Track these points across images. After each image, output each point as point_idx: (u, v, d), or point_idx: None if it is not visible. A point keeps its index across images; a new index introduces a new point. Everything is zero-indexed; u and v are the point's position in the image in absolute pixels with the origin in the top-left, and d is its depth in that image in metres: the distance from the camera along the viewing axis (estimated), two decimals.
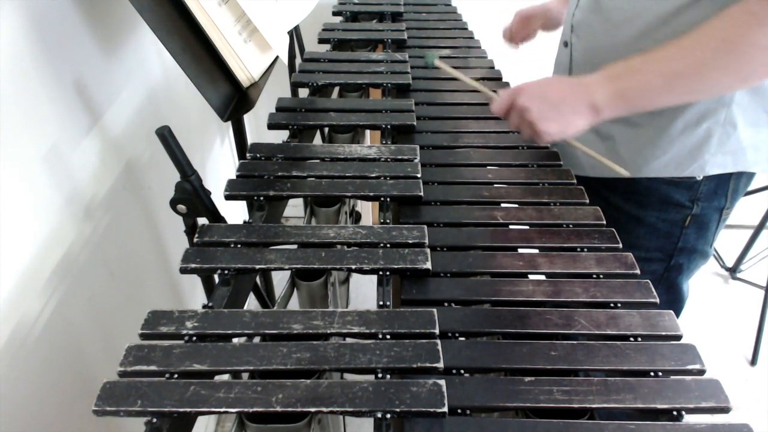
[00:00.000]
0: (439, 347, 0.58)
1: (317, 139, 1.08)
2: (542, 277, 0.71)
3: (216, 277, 0.70)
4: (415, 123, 0.98)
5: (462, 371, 0.59)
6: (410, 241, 0.72)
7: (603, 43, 0.90)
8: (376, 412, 0.53)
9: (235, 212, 1.08)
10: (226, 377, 0.58)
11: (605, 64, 0.88)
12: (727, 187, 0.92)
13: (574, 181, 0.87)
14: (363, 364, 0.57)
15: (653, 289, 0.69)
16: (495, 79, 1.17)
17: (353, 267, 0.69)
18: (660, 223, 0.95)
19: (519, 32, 1.21)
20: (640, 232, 0.97)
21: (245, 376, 0.60)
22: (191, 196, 0.77)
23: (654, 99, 0.76)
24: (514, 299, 0.67)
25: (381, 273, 0.69)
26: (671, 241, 0.96)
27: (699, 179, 0.90)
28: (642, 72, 0.74)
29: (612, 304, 0.67)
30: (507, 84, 1.14)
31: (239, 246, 0.72)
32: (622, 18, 0.86)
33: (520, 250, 0.75)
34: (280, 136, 0.96)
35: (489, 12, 1.74)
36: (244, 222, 0.77)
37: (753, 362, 1.85)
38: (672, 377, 0.59)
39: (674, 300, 1.03)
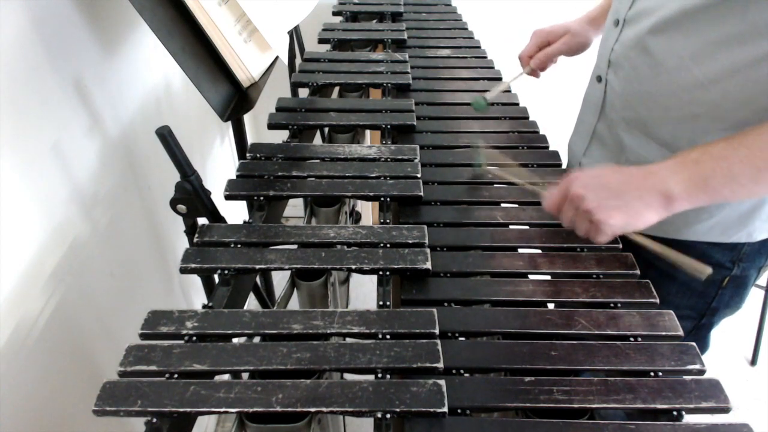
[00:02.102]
0: (439, 347, 0.58)
1: (317, 139, 1.08)
2: (542, 277, 0.71)
3: (216, 277, 0.70)
4: (415, 123, 0.98)
5: (462, 371, 0.59)
6: (410, 241, 0.72)
7: (648, 88, 0.79)
8: (376, 412, 0.53)
9: (235, 212, 1.08)
10: (226, 377, 0.58)
11: (647, 110, 0.80)
12: None
13: None
14: (363, 364, 0.57)
15: (653, 289, 0.69)
16: (495, 79, 1.17)
17: (353, 267, 0.69)
18: (694, 282, 0.82)
19: (537, 57, 1.03)
20: (671, 289, 0.87)
21: (245, 376, 0.60)
22: (191, 196, 0.77)
23: (738, 190, 0.65)
24: (514, 299, 0.67)
25: (381, 273, 0.69)
26: (705, 301, 0.88)
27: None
28: (726, 159, 0.64)
29: (612, 304, 0.67)
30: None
31: (239, 246, 0.72)
32: (677, 64, 0.74)
33: (520, 250, 0.75)
34: (280, 136, 0.96)
35: (489, 12, 1.74)
36: (244, 222, 0.77)
37: (753, 362, 1.85)
38: (672, 377, 0.59)
39: None
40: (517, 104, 1.08)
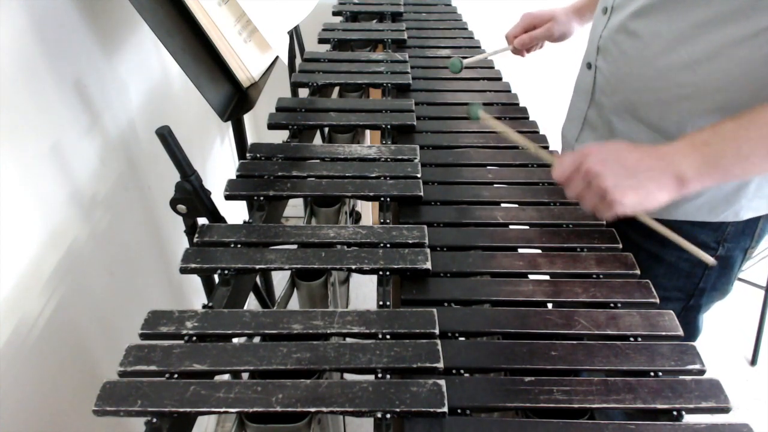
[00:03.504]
0: (439, 347, 0.58)
1: (317, 139, 1.08)
2: (542, 277, 0.71)
3: (216, 277, 0.70)
4: (415, 123, 0.98)
5: (462, 371, 0.59)
6: (410, 241, 0.72)
7: (635, 71, 0.81)
8: (376, 412, 0.53)
9: (235, 212, 1.08)
10: (226, 377, 0.58)
11: (635, 93, 0.82)
12: (755, 227, 0.86)
13: None
14: (363, 364, 0.57)
15: (653, 289, 0.69)
16: (495, 79, 1.17)
17: (353, 267, 0.69)
18: (681, 263, 0.88)
19: (521, 38, 1.09)
20: (658, 271, 0.89)
21: (245, 376, 0.60)
22: (191, 196, 0.77)
23: (750, 168, 0.67)
24: (514, 299, 0.67)
25: (381, 273, 0.69)
26: (692, 282, 0.90)
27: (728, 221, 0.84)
28: (737, 139, 0.65)
29: (612, 304, 0.67)
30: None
31: (239, 246, 0.72)
32: (662, 46, 0.76)
33: (520, 250, 0.75)
34: (280, 136, 0.96)
35: (489, 12, 1.74)
36: (244, 222, 0.77)
37: (753, 362, 1.84)
38: (672, 377, 0.59)
39: (689, 335, 0.94)
40: (517, 104, 1.08)
